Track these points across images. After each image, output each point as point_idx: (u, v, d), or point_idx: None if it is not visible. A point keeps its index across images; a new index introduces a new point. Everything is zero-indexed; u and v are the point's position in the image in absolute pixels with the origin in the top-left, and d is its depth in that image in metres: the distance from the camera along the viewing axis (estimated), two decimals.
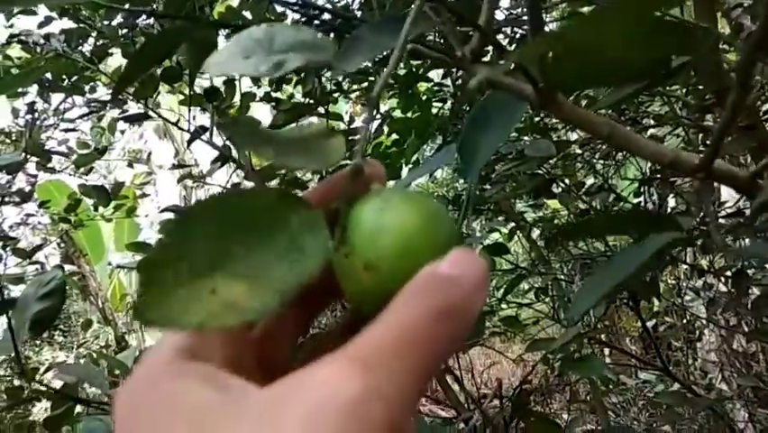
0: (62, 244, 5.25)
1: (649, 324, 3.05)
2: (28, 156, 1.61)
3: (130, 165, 3.14)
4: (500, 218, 2.15)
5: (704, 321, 2.67)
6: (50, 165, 2.04)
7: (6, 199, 1.87)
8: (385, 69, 0.29)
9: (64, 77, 1.52)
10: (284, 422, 0.18)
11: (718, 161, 0.36)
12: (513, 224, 1.98)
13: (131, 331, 6.37)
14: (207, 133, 1.16)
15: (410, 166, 1.45)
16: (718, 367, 2.77)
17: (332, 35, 1.18)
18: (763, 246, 0.36)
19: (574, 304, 0.31)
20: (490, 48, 0.43)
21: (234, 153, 1.21)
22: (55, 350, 5.22)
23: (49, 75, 1.50)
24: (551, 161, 1.44)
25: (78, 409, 0.83)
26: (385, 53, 0.34)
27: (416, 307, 0.21)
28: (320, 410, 0.18)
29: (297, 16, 1.37)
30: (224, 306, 0.21)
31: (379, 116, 1.76)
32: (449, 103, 1.70)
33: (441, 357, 0.21)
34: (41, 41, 1.11)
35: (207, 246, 0.22)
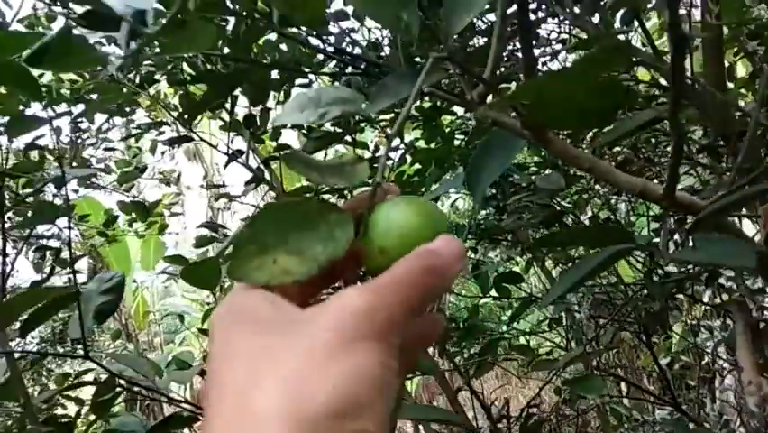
0: (90, 260, 5.38)
1: (666, 362, 3.06)
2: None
3: (167, 184, 3.26)
4: (518, 249, 2.21)
5: (719, 361, 2.66)
6: (89, 181, 2.15)
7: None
8: (402, 111, 0.38)
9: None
10: (318, 323, 0.29)
11: (680, 192, 0.43)
12: (530, 254, 2.04)
13: (151, 348, 6.47)
14: (243, 156, 1.25)
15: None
16: (737, 409, 2.76)
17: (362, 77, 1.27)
18: (689, 252, 0.41)
19: (548, 294, 0.38)
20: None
21: (267, 176, 1.30)
22: (75, 364, 5.31)
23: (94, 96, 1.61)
24: (566, 194, 1.51)
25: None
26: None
27: (410, 264, 0.31)
28: (342, 313, 0.29)
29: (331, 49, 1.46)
30: (282, 271, 0.32)
31: (402, 146, 1.85)
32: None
33: (424, 299, 0.31)
34: (98, 66, 1.22)
35: (273, 233, 0.33)
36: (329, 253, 0.32)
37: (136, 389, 0.88)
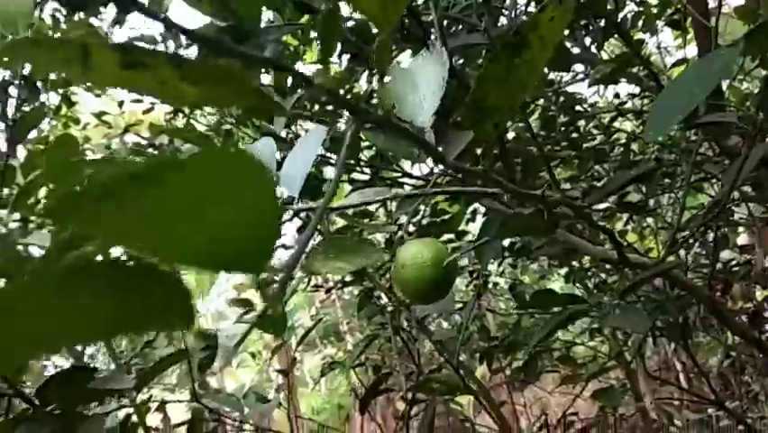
0: None
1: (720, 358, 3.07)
2: None
3: None
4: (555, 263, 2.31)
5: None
6: None
7: None
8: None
9: None
10: None
11: (632, 255, 0.56)
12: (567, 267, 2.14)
13: (210, 372, 6.73)
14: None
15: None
16: None
17: None
18: (612, 318, 0.53)
19: (529, 344, 0.52)
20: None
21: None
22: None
23: None
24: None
25: None
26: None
27: None
28: None
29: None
30: (337, 268, 0.53)
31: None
32: None
33: None
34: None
35: (333, 250, 0.49)
36: (368, 263, 0.52)
37: (230, 421, 1.05)
